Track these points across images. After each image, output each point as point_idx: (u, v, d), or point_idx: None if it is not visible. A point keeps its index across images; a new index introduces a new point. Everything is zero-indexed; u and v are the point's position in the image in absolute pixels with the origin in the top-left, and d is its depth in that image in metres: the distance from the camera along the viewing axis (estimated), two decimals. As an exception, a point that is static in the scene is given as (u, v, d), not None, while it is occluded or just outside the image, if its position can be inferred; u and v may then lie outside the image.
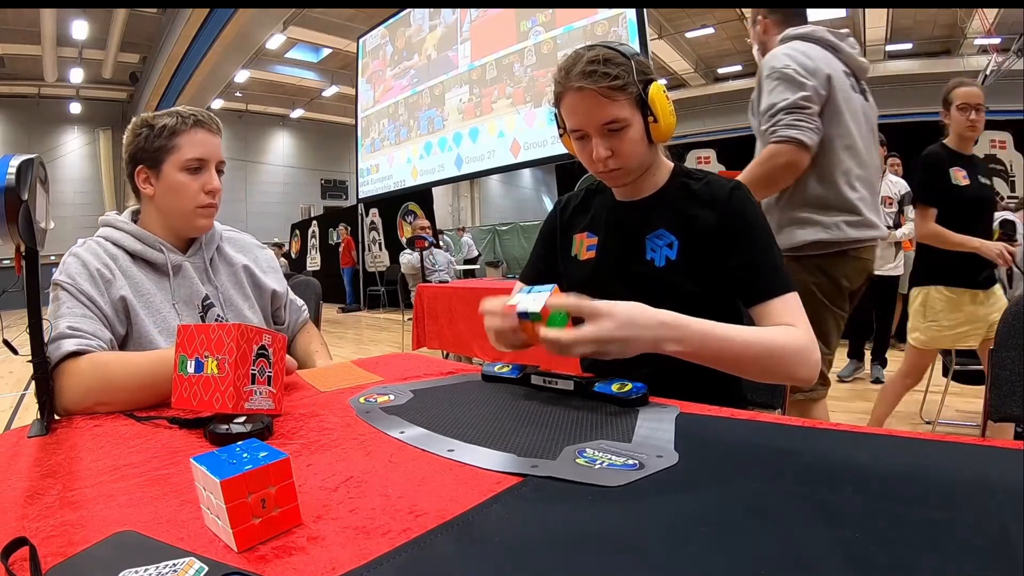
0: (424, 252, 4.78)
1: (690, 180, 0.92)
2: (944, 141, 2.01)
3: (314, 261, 11.99)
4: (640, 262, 0.91)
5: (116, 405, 0.79)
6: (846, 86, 1.50)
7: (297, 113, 15.85)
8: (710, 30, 10.86)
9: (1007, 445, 0.49)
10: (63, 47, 10.89)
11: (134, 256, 1.00)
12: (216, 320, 1.03)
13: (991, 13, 8.88)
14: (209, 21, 9.07)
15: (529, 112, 5.84)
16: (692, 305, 0.77)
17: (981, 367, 2.14)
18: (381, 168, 8.35)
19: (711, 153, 5.97)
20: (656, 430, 0.59)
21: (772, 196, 1.51)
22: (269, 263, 1.20)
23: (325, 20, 10.60)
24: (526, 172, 17.55)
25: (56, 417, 0.78)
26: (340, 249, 10.24)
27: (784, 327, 0.79)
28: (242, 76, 12.08)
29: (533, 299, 0.71)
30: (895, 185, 3.24)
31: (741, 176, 1.44)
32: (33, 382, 0.73)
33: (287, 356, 0.86)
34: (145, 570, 0.35)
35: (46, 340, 0.80)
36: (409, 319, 4.10)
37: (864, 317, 3.33)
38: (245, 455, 0.42)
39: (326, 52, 12.54)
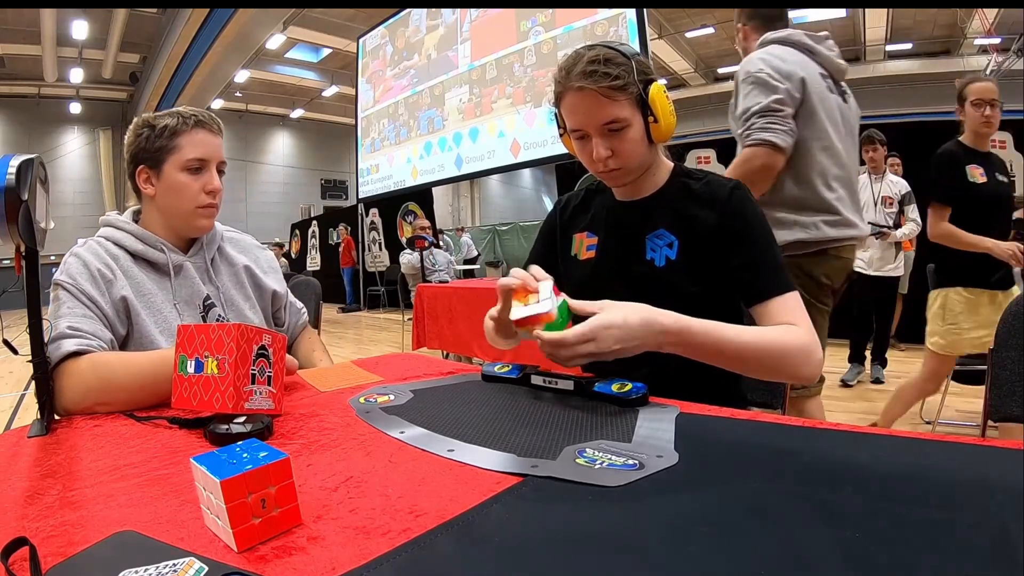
0: (424, 252, 4.78)
1: (690, 180, 0.92)
2: (959, 138, 1.97)
3: (314, 261, 11.99)
4: (640, 262, 0.91)
5: (116, 405, 0.79)
6: (822, 88, 1.52)
7: (297, 113, 15.85)
8: (710, 30, 10.85)
9: (1007, 445, 0.49)
10: (63, 47, 10.89)
11: (135, 256, 1.00)
12: (217, 320, 1.03)
13: (991, 13, 8.88)
14: (209, 21, 9.07)
15: (529, 112, 5.84)
16: (692, 305, 0.77)
17: (982, 367, 2.13)
18: (381, 168, 8.35)
19: (711, 153, 5.97)
20: (656, 430, 0.59)
21: None
22: (270, 264, 1.21)
23: (325, 20, 10.60)
24: (526, 172, 17.55)
25: (56, 417, 0.78)
26: (340, 249, 10.23)
27: (785, 326, 0.79)
28: (242, 76, 12.08)
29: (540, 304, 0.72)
30: (895, 185, 3.23)
31: None
32: (33, 382, 0.73)
33: (288, 355, 0.87)
34: (145, 570, 0.35)
35: (46, 340, 0.80)
36: (409, 319, 4.10)
37: (864, 319, 3.32)
38: (245, 455, 0.42)
39: (326, 52, 12.54)
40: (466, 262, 9.28)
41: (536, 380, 0.79)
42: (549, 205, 1.11)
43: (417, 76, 7.46)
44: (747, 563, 0.34)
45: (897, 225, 3.20)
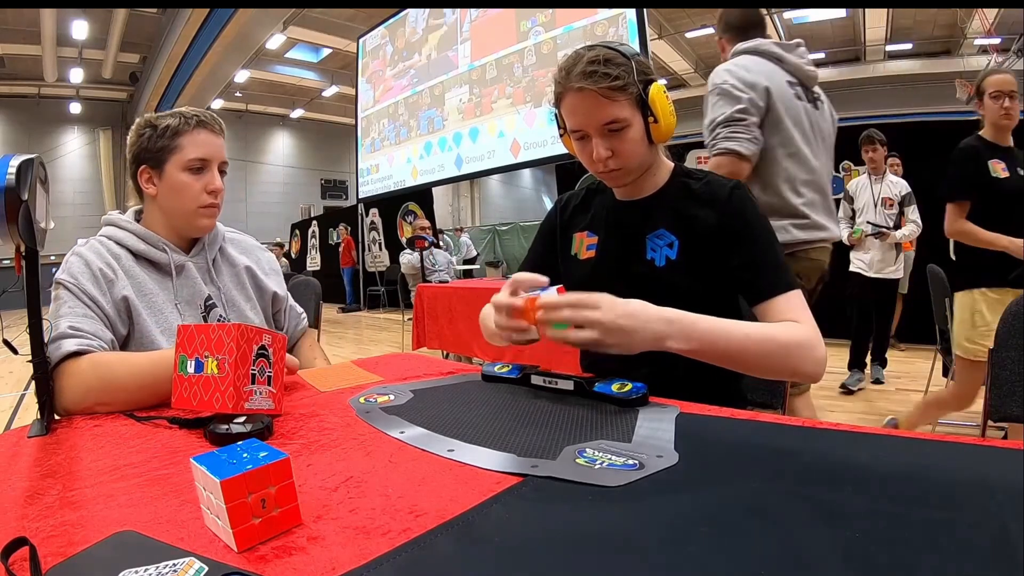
0: (424, 252, 4.78)
1: (690, 180, 0.92)
2: (979, 133, 1.93)
3: (314, 261, 11.99)
4: (640, 262, 0.91)
5: (116, 405, 0.79)
6: (788, 96, 1.56)
7: (297, 113, 15.86)
8: (710, 30, 10.83)
9: (1007, 445, 0.49)
10: (63, 47, 10.89)
11: (137, 256, 1.00)
12: (218, 320, 1.03)
13: (991, 13, 8.88)
14: (209, 21, 9.07)
15: (529, 112, 5.84)
16: (692, 305, 0.77)
17: None
18: (381, 168, 8.35)
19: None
20: (656, 430, 0.59)
21: None
22: (271, 265, 1.21)
23: (325, 20, 10.60)
24: (526, 172, 17.55)
25: (56, 417, 0.78)
26: (340, 249, 10.24)
27: (788, 323, 0.79)
28: (242, 76, 12.08)
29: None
30: (895, 186, 3.23)
31: None
32: (33, 382, 0.73)
33: (288, 355, 0.87)
34: (145, 570, 0.35)
35: (46, 340, 0.80)
36: (409, 319, 4.10)
37: (864, 322, 3.29)
38: (245, 455, 0.42)
39: (326, 52, 12.54)
40: (465, 262, 9.28)
41: (536, 380, 0.79)
42: (549, 205, 1.11)
43: (417, 76, 7.46)
44: (747, 563, 0.34)
45: (897, 226, 3.18)
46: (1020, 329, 0.93)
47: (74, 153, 13.83)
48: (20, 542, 0.39)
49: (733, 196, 0.86)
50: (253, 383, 0.69)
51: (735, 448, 0.55)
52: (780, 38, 10.69)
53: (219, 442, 0.61)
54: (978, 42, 10.02)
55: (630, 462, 0.50)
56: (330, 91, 14.07)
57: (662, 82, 0.86)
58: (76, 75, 12.08)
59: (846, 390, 3.13)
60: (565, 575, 0.34)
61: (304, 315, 1.27)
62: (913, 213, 3.18)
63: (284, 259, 11.63)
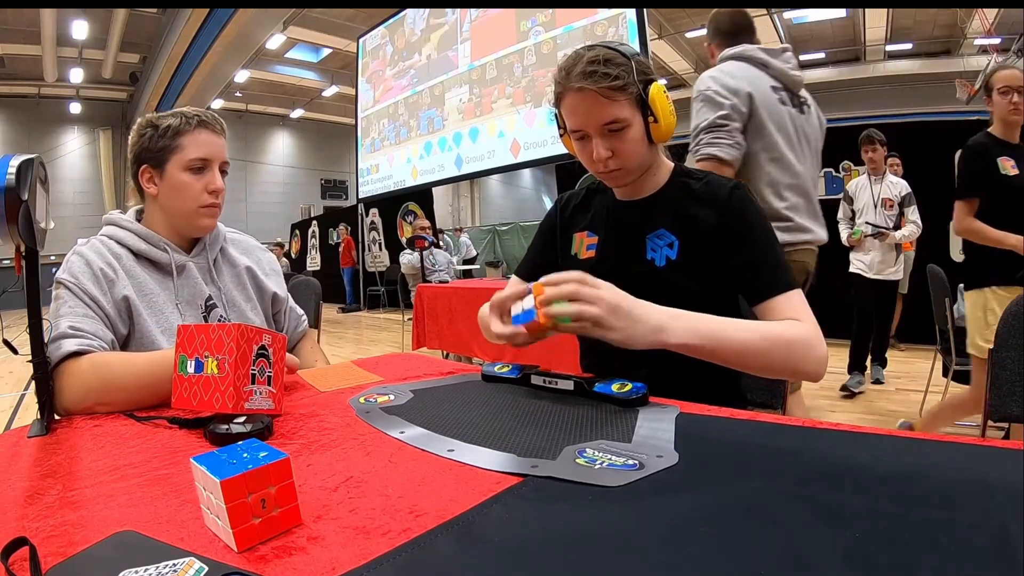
0: (424, 252, 4.78)
1: (690, 180, 0.92)
2: (988, 130, 1.91)
3: (314, 261, 12.00)
4: (640, 262, 0.91)
5: (116, 405, 0.79)
6: (771, 101, 1.58)
7: (297, 113, 15.86)
8: (710, 30, 10.85)
9: (1007, 445, 0.49)
10: (63, 47, 10.89)
11: (138, 255, 1.00)
12: (219, 321, 1.03)
13: (991, 13, 8.89)
14: (209, 21, 9.08)
15: (529, 112, 5.84)
16: (692, 305, 0.76)
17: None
18: (381, 168, 8.35)
19: (711, 153, 5.97)
20: (656, 430, 0.59)
21: None
22: (271, 266, 1.20)
23: (325, 20, 10.60)
24: (526, 172, 17.56)
25: (56, 417, 0.78)
26: (340, 249, 10.24)
27: (788, 321, 0.78)
28: (242, 76, 12.08)
29: (523, 307, 0.72)
30: (895, 186, 3.22)
31: None
32: (33, 382, 0.73)
33: (289, 354, 0.87)
34: (145, 570, 0.35)
35: (47, 339, 0.80)
36: (409, 319, 4.10)
37: (865, 324, 3.28)
38: (245, 455, 0.42)
39: (326, 52, 12.54)
40: (465, 262, 9.29)
41: (536, 380, 0.79)
42: (549, 205, 1.11)
43: (417, 76, 7.46)
44: (747, 563, 0.34)
45: (897, 227, 3.17)
46: (1020, 329, 0.93)
47: (74, 153, 13.84)
48: (20, 542, 0.39)
49: (733, 196, 0.86)
50: (253, 383, 0.69)
51: (735, 448, 0.55)
52: (780, 38, 10.73)
53: (219, 442, 0.61)
54: (978, 42, 10.02)
55: (630, 462, 0.50)
56: (330, 91, 14.08)
57: (662, 82, 0.86)
58: (76, 75, 12.09)
59: (848, 392, 3.11)
60: (565, 575, 0.34)
61: (304, 317, 1.27)
62: (913, 214, 3.18)
63: (284, 259, 11.64)
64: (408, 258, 5.08)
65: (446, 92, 6.96)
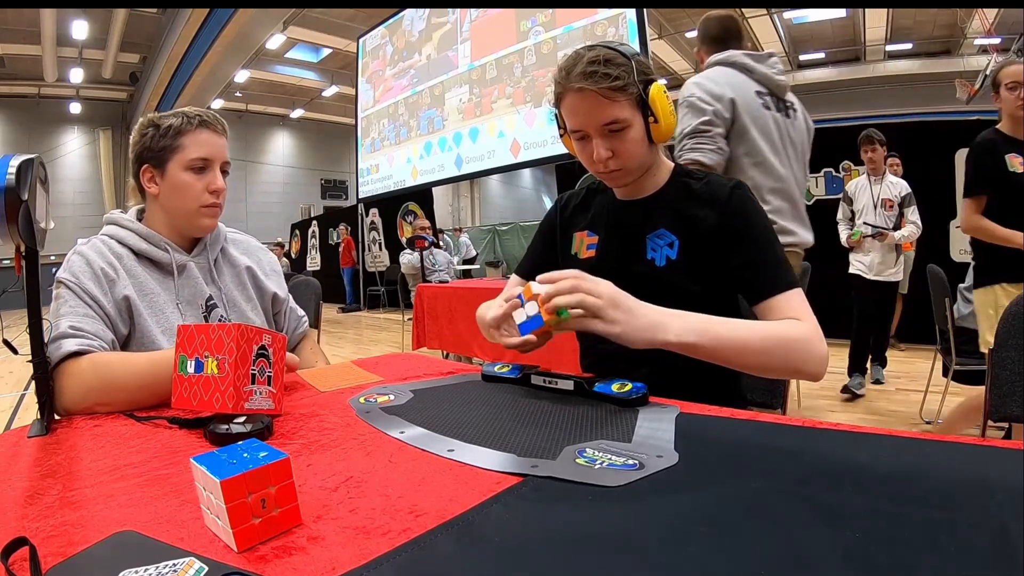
0: (424, 252, 4.78)
1: (691, 180, 0.92)
2: (997, 127, 1.89)
3: (314, 261, 11.99)
4: (640, 262, 0.91)
5: (116, 405, 0.79)
6: (755, 106, 1.60)
7: (297, 113, 15.86)
8: (710, 30, 10.85)
9: (1007, 445, 0.49)
10: (63, 47, 10.89)
11: (139, 255, 1.00)
12: (219, 321, 1.03)
13: (991, 13, 8.89)
14: (209, 21, 9.08)
15: (529, 112, 5.84)
16: (693, 305, 0.77)
17: (982, 367, 2.09)
18: (381, 168, 8.35)
19: (711, 153, 5.98)
20: (656, 430, 0.59)
21: None
22: (272, 266, 1.20)
23: (325, 20, 10.60)
24: (526, 172, 17.56)
25: (56, 417, 0.78)
26: (340, 249, 10.24)
27: (789, 320, 0.78)
28: (242, 76, 12.08)
29: (527, 314, 0.72)
30: (895, 187, 3.21)
31: None
32: (33, 382, 0.73)
33: (289, 353, 0.86)
34: (145, 570, 0.35)
35: (47, 339, 0.80)
36: (409, 319, 4.10)
37: (865, 325, 3.27)
38: (245, 455, 0.42)
39: (326, 52, 12.54)
40: (465, 262, 9.29)
41: (536, 380, 0.79)
42: (549, 205, 1.11)
43: (417, 76, 7.46)
44: (747, 563, 0.34)
45: (897, 227, 3.17)
46: (1020, 329, 0.93)
47: (74, 153, 13.83)
48: (20, 542, 0.39)
49: (733, 196, 0.86)
50: (253, 383, 0.69)
51: (735, 448, 0.55)
52: (780, 38, 10.73)
53: (219, 442, 0.61)
54: (978, 42, 10.02)
55: (630, 462, 0.50)
56: (330, 91, 14.08)
57: (662, 82, 0.86)
58: (76, 75, 12.09)
59: (850, 394, 3.09)
60: (565, 575, 0.34)
61: (305, 317, 1.26)
62: (913, 214, 3.17)
63: (284, 259, 11.64)
64: (408, 258, 5.08)
65: (446, 92, 6.96)
